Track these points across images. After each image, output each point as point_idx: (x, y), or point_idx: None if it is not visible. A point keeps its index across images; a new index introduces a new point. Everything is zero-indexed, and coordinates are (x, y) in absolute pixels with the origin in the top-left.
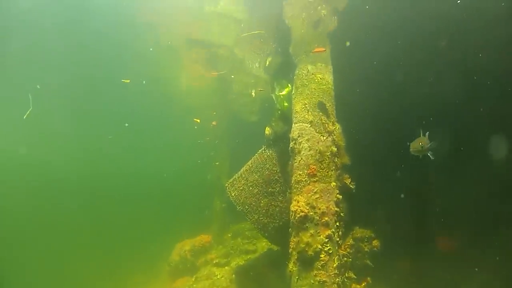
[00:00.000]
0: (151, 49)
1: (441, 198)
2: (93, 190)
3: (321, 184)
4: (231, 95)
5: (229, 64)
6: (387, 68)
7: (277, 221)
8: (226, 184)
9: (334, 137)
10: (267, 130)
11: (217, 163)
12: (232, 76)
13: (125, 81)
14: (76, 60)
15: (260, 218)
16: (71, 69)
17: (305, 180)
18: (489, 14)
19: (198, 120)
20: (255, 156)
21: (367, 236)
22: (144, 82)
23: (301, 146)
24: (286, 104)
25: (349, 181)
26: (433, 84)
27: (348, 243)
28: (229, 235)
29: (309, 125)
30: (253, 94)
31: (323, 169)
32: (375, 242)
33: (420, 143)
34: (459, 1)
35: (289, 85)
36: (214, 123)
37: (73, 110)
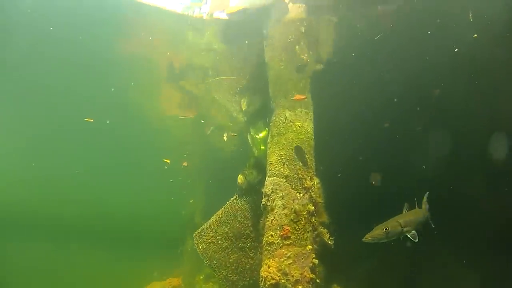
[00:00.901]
0: (112, 89)
1: (427, 255)
2: (59, 229)
3: (296, 248)
4: (208, 131)
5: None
6: (375, 118)
7: (247, 279)
8: (194, 235)
9: (312, 193)
10: (240, 178)
11: (191, 201)
12: (202, 121)
13: (88, 120)
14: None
15: (229, 275)
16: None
17: (278, 242)
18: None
19: (168, 161)
20: (225, 206)
21: None
22: (107, 122)
23: (274, 204)
24: (263, 147)
25: (328, 237)
26: (422, 136)
27: None
28: (201, 277)
29: (284, 180)
30: (225, 138)
31: (298, 230)
32: None
33: (385, 228)
34: (456, 50)
35: (267, 128)
36: (185, 163)
37: (40, 145)
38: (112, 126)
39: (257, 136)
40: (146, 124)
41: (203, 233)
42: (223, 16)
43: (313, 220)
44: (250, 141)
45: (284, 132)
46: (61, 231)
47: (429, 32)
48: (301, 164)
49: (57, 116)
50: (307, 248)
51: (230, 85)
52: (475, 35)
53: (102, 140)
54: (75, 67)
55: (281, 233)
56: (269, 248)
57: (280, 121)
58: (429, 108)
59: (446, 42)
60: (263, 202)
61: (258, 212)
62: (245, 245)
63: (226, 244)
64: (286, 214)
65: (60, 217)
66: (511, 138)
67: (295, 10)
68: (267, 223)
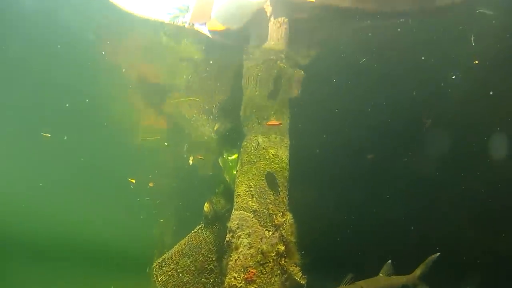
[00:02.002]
0: (87, 100)
1: None
2: (20, 247)
3: None
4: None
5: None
6: (357, 150)
7: None
8: (154, 265)
9: (283, 231)
10: (206, 207)
11: (161, 220)
12: (166, 143)
13: (46, 135)
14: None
15: None
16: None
17: (241, 286)
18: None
19: (133, 181)
20: (189, 236)
21: None
22: (65, 137)
23: (239, 242)
24: (235, 172)
25: (300, 276)
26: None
27: None
28: None
29: (252, 215)
30: (190, 161)
31: (265, 274)
32: None
33: None
34: (454, 77)
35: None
36: (151, 184)
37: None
38: (78, 142)
39: (229, 158)
40: (114, 142)
41: (163, 264)
42: (205, 30)
43: (283, 262)
44: (221, 164)
45: (255, 160)
46: (22, 249)
47: (422, 58)
48: (272, 197)
49: (18, 130)
50: None
51: (202, 103)
52: (476, 61)
53: (68, 156)
54: (36, 78)
55: (245, 276)
56: None
57: (252, 148)
58: (415, 140)
59: (435, 66)
60: (227, 239)
61: (224, 245)
62: (208, 281)
63: (188, 278)
64: (252, 255)
65: (22, 235)
66: None
67: (277, 28)
68: (231, 262)
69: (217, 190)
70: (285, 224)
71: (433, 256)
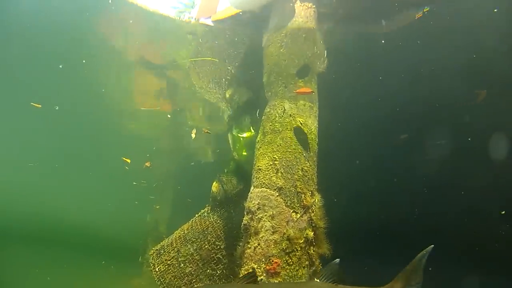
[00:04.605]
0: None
1: None
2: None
3: None
4: (184, 130)
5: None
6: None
7: None
8: (151, 252)
9: (312, 214)
10: (214, 186)
11: (157, 207)
12: (169, 116)
13: (36, 105)
14: None
15: None
16: None
17: (262, 279)
18: None
19: (129, 160)
20: (193, 220)
21: None
22: (56, 107)
23: (260, 225)
24: (245, 153)
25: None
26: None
27: None
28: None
29: (277, 194)
30: (193, 135)
31: (291, 265)
32: None
33: None
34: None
35: (252, 128)
36: (147, 164)
37: None
38: (71, 113)
39: (240, 136)
40: (108, 116)
41: (162, 252)
42: (209, 22)
43: (312, 251)
44: (230, 141)
45: (280, 129)
46: (11, 233)
47: None
48: (301, 172)
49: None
50: None
51: (214, 72)
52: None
53: (58, 131)
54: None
55: (268, 267)
56: None
57: (277, 115)
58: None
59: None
60: (245, 221)
61: (235, 231)
62: (215, 272)
63: (190, 269)
64: (276, 241)
65: (10, 218)
66: None
67: (305, 8)
68: (248, 250)
69: (226, 169)
70: (314, 205)
71: (423, 252)
